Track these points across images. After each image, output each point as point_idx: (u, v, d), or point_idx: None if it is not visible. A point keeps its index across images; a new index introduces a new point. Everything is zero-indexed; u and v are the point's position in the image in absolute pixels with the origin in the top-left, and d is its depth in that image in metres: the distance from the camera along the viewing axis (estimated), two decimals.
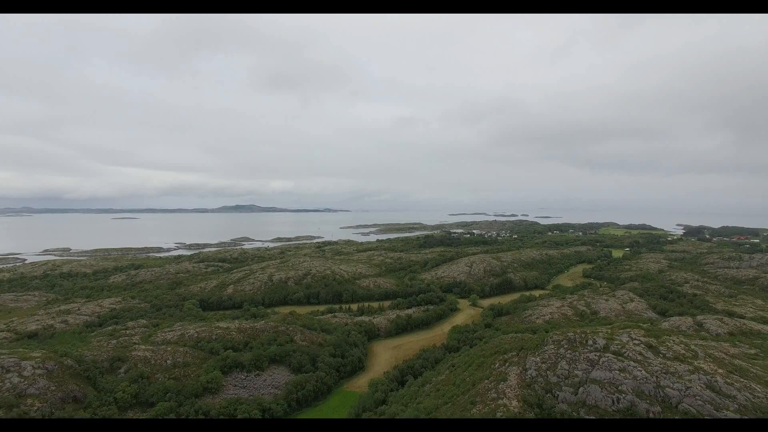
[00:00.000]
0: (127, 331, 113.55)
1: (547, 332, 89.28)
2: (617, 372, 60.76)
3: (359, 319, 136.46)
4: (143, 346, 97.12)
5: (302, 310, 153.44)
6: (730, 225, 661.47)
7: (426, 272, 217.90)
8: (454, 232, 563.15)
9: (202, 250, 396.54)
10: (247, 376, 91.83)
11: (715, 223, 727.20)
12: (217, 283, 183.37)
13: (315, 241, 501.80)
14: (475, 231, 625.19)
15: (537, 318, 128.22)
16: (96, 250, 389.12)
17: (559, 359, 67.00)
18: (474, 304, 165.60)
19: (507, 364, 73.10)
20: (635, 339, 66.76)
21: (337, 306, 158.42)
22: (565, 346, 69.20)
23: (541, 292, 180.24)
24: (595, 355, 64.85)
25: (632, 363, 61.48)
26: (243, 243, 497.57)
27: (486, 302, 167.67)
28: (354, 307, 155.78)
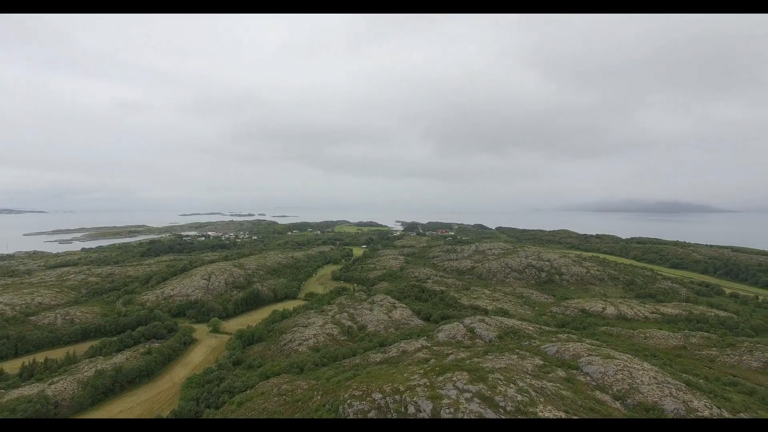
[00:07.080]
0: None
1: (333, 380, 66.05)
2: None
3: (19, 392, 79.18)
4: None
5: None
6: (433, 221, 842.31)
7: (149, 291, 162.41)
8: (187, 236, 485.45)
9: None
10: None
11: (423, 220, 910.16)
12: None
13: None
14: (210, 233, 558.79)
15: (299, 344, 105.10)
16: None
17: None
18: (216, 330, 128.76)
19: None
20: (465, 390, 51.04)
21: None
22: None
23: (294, 303, 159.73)
24: None
25: None
26: None
27: (232, 324, 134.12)
28: (17, 365, 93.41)
